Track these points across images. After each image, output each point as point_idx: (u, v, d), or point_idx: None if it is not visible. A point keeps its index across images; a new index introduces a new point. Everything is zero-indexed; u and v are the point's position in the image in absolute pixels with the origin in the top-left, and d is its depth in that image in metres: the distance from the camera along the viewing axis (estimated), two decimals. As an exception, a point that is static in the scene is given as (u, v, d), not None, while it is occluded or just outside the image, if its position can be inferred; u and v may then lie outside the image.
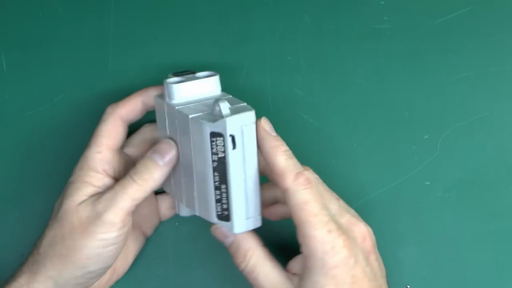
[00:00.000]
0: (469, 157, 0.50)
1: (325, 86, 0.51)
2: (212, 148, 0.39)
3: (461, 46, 0.51)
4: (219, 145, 0.39)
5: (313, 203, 0.39)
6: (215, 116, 0.39)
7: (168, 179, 0.44)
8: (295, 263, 0.42)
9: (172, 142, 0.43)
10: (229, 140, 0.39)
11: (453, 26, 0.51)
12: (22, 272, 0.42)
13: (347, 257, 0.39)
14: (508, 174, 0.50)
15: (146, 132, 0.47)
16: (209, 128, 0.39)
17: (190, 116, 0.40)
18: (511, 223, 0.49)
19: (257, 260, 0.41)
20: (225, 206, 0.40)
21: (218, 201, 0.40)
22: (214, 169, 0.40)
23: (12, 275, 0.43)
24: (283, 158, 0.40)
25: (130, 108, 0.45)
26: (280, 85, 0.50)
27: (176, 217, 0.49)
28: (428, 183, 0.49)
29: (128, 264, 0.47)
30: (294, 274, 0.41)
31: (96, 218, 0.41)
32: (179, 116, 0.41)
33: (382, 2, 0.51)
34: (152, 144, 0.45)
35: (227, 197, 0.40)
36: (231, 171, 0.39)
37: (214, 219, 0.41)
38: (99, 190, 0.43)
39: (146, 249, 0.48)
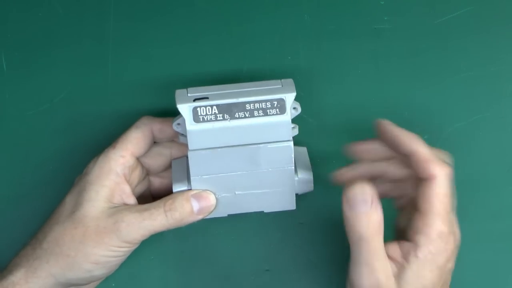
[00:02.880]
0: (469, 157, 0.50)
1: (325, 86, 0.51)
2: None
3: (461, 46, 0.51)
4: None
5: (451, 198, 0.40)
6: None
7: None
8: (395, 249, 0.40)
9: (214, 198, 0.44)
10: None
11: (453, 26, 0.51)
12: (20, 266, 0.42)
13: (449, 262, 0.40)
14: (508, 174, 0.50)
15: (163, 145, 0.47)
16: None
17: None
18: (511, 223, 0.49)
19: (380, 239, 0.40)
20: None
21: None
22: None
23: (7, 267, 0.42)
24: (425, 147, 0.41)
25: (165, 127, 0.45)
26: (280, 85, 0.50)
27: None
28: (428, 183, 0.49)
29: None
30: (391, 258, 0.40)
31: (114, 233, 0.41)
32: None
33: (382, 2, 0.51)
34: (168, 159, 0.46)
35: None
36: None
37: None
38: (115, 195, 0.43)
39: (146, 249, 0.48)
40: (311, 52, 0.51)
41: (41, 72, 0.51)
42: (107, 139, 0.50)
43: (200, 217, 0.43)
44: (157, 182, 0.47)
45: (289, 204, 0.45)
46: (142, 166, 0.46)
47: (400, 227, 0.43)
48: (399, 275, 0.39)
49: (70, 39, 0.51)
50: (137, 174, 0.45)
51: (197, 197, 0.43)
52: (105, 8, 0.51)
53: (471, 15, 0.51)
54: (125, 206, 0.42)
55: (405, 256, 0.40)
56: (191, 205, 0.43)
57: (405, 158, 0.41)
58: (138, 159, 0.45)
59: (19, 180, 0.49)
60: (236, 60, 0.51)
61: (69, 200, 0.43)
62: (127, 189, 0.43)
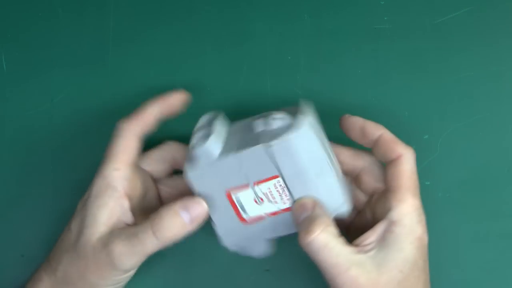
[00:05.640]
0: (469, 157, 0.50)
1: (325, 86, 0.51)
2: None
3: (461, 46, 0.51)
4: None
5: (417, 175, 0.42)
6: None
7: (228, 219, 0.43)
8: (369, 235, 0.41)
9: (203, 202, 0.41)
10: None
11: (453, 26, 0.51)
12: None
13: (425, 236, 0.41)
14: (508, 174, 0.50)
15: (166, 150, 0.46)
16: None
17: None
18: (511, 223, 0.49)
19: (329, 234, 0.39)
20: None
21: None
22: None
23: None
24: (389, 132, 0.43)
25: (145, 123, 0.43)
26: (280, 85, 0.50)
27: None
28: (428, 183, 0.49)
29: None
30: (366, 245, 0.41)
31: (109, 265, 0.40)
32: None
33: (382, 2, 0.51)
34: (172, 163, 0.46)
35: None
36: None
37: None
38: (113, 213, 0.41)
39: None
40: (311, 52, 0.51)
41: (41, 72, 0.51)
42: (107, 139, 0.50)
43: (194, 226, 0.41)
44: (163, 191, 0.47)
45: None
46: (145, 174, 0.45)
47: (356, 227, 0.44)
48: (378, 255, 0.40)
49: (70, 39, 0.51)
50: (138, 184, 0.43)
51: (185, 207, 0.41)
52: (105, 8, 0.51)
53: (471, 15, 0.51)
54: (117, 231, 0.41)
55: (382, 236, 0.41)
56: (181, 218, 0.40)
57: (373, 144, 0.43)
58: (139, 167, 0.44)
59: (19, 180, 0.49)
60: (236, 60, 0.51)
61: (74, 227, 0.42)
62: (125, 204, 0.42)
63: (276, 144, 0.39)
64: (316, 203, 0.41)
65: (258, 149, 0.40)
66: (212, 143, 0.41)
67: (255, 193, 0.41)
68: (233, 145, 0.41)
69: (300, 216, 0.40)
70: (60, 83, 0.51)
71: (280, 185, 0.41)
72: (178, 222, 0.40)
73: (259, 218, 0.42)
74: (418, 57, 0.51)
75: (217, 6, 0.51)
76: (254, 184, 0.41)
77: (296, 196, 0.41)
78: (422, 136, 0.50)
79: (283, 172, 0.40)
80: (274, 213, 0.42)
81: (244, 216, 0.42)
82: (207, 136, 0.42)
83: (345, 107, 0.50)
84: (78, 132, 0.50)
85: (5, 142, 0.50)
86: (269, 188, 0.41)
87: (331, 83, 0.51)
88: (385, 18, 0.51)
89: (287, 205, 0.42)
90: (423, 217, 0.41)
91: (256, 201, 0.42)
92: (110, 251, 0.40)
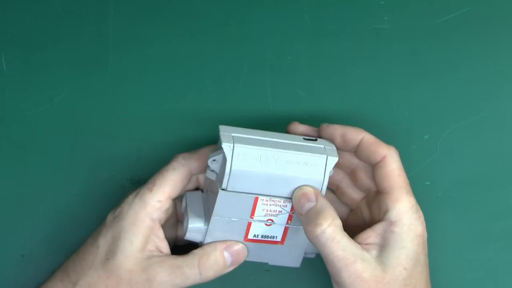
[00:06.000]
0: (469, 157, 0.50)
1: (325, 86, 0.51)
2: None
3: (461, 46, 0.51)
4: None
5: (404, 172, 0.42)
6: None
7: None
8: (369, 234, 0.41)
9: (245, 248, 0.43)
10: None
11: (453, 26, 0.51)
12: None
13: (424, 232, 0.42)
14: (508, 174, 0.50)
15: (185, 171, 0.44)
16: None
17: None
18: (511, 223, 0.49)
19: (337, 227, 0.40)
20: None
21: None
22: None
23: None
24: (370, 134, 0.43)
25: (202, 163, 0.43)
26: (280, 85, 0.50)
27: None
28: (428, 183, 0.49)
29: None
30: (368, 244, 0.41)
31: None
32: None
33: (382, 2, 0.51)
34: (194, 183, 0.45)
35: None
36: None
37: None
38: (149, 241, 0.42)
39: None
40: (311, 52, 0.51)
41: (41, 72, 0.51)
42: (107, 140, 0.50)
43: (230, 269, 0.43)
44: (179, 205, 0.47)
45: (295, 261, 0.45)
46: (173, 202, 0.45)
47: (354, 224, 0.44)
48: (381, 255, 0.40)
49: (70, 39, 0.51)
50: (169, 214, 0.44)
51: (229, 249, 0.42)
52: (105, 8, 0.51)
53: (471, 15, 0.51)
54: (158, 258, 0.41)
55: (382, 236, 0.41)
56: (225, 259, 0.42)
57: (355, 148, 0.43)
58: (173, 201, 0.44)
59: (19, 180, 0.49)
60: (236, 60, 0.51)
61: (102, 244, 0.42)
62: (160, 234, 0.42)
63: (225, 179, 0.40)
64: (317, 192, 0.41)
65: (221, 195, 0.40)
66: (192, 231, 0.43)
67: (260, 221, 0.42)
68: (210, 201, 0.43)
69: (303, 206, 0.40)
70: (60, 83, 0.50)
71: (267, 200, 0.41)
72: (221, 263, 0.42)
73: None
74: (418, 57, 0.51)
75: (217, 6, 0.51)
76: (251, 217, 0.42)
77: (285, 194, 0.41)
78: (422, 136, 0.50)
79: (255, 191, 0.41)
80: (290, 218, 0.42)
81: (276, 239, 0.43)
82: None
83: (345, 107, 0.50)
84: (78, 132, 0.50)
85: (5, 142, 0.50)
86: (263, 209, 0.41)
87: (331, 83, 0.51)
88: (385, 18, 0.51)
89: (288, 205, 0.42)
90: (420, 213, 0.42)
91: (267, 224, 0.42)
92: (152, 277, 0.41)
